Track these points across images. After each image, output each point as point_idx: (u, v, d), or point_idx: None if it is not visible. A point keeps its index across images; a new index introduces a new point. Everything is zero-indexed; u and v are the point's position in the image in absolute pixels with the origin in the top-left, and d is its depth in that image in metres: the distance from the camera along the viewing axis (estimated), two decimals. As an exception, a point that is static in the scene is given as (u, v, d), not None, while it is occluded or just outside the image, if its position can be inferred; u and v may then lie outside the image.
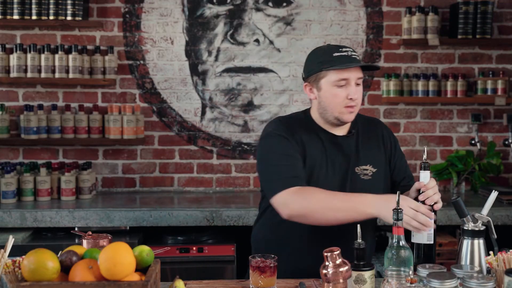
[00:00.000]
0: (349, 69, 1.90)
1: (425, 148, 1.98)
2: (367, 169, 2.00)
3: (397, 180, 2.09)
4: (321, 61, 1.94)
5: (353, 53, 1.93)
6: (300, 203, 1.83)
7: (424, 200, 1.80)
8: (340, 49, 1.92)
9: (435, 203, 1.80)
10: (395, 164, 2.09)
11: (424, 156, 1.92)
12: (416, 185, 1.87)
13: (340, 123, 1.98)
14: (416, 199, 1.82)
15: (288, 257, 1.98)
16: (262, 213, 2.11)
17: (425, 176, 1.86)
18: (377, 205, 1.77)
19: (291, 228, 1.96)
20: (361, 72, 1.94)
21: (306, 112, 2.09)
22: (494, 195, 1.82)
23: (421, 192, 1.83)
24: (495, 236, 1.82)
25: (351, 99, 1.91)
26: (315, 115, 2.05)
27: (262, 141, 2.02)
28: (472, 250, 1.75)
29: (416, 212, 1.73)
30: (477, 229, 1.76)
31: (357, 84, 1.93)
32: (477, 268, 1.63)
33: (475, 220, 1.78)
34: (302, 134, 1.98)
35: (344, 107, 1.93)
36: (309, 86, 2.02)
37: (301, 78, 2.11)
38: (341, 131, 2.03)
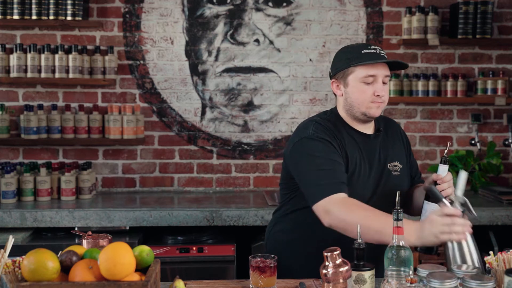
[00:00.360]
0: (377, 66, 1.92)
1: (448, 144, 2.05)
2: (396, 165, 2.04)
3: (413, 176, 2.16)
4: (349, 57, 1.95)
5: (381, 51, 1.95)
6: (344, 215, 1.79)
7: None
8: (369, 47, 1.94)
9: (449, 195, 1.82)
10: (411, 161, 2.16)
11: (446, 151, 1.94)
12: (433, 176, 1.90)
13: (367, 118, 1.98)
14: None
15: (308, 259, 1.93)
16: (289, 213, 2.09)
17: (443, 170, 1.90)
18: (416, 234, 1.70)
19: (320, 231, 1.90)
20: (388, 70, 1.96)
21: (334, 111, 2.08)
22: (463, 174, 1.81)
23: (437, 184, 1.86)
24: (475, 214, 1.82)
25: (378, 95, 1.93)
26: (342, 114, 2.05)
27: (301, 144, 1.97)
28: (461, 247, 1.71)
29: (453, 218, 1.67)
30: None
31: (384, 83, 1.95)
32: (477, 268, 1.63)
33: (451, 203, 1.78)
34: (341, 136, 1.98)
35: (371, 102, 1.94)
36: (337, 82, 2.02)
37: (329, 76, 2.11)
38: (370, 130, 2.05)
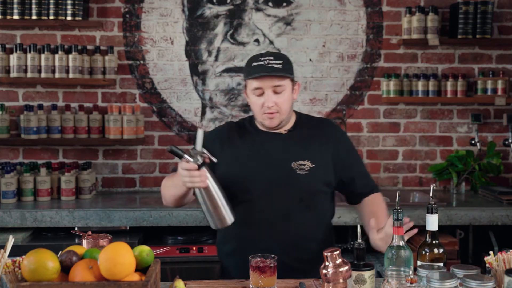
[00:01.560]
0: (262, 79, 1.98)
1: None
2: (304, 164, 2.04)
3: (345, 180, 2.13)
4: (245, 70, 2.06)
5: (272, 62, 1.98)
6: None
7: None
8: (260, 58, 2.00)
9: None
10: (342, 163, 2.11)
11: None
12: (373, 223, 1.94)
13: (267, 128, 2.07)
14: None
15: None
16: None
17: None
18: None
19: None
20: (278, 80, 1.98)
21: (252, 117, 2.18)
22: (200, 131, 1.88)
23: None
24: (215, 160, 1.88)
25: (267, 107, 2.00)
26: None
27: None
28: (207, 190, 1.89)
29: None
30: None
31: (277, 92, 1.99)
32: (477, 268, 1.63)
33: (192, 156, 1.83)
34: (234, 136, 2.08)
35: (263, 114, 2.02)
36: (245, 92, 2.11)
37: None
38: (279, 131, 2.10)
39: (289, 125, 2.11)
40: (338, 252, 1.57)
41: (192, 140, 3.72)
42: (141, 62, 3.70)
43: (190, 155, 1.84)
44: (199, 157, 1.84)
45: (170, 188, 2.02)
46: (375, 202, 2.15)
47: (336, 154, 2.10)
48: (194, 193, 1.94)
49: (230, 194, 1.96)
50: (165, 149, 3.71)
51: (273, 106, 1.99)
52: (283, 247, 1.97)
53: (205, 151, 1.85)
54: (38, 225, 3.08)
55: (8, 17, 3.48)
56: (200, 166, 1.83)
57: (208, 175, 1.85)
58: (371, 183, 2.21)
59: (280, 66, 1.97)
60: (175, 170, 2.17)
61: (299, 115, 2.17)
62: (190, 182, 1.83)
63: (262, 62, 1.97)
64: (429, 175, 3.81)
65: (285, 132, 2.09)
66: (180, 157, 1.84)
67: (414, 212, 3.12)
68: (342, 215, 3.10)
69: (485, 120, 3.81)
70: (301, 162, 2.03)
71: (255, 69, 1.98)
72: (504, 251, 1.63)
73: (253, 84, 1.99)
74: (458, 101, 3.71)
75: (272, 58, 1.98)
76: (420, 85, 3.68)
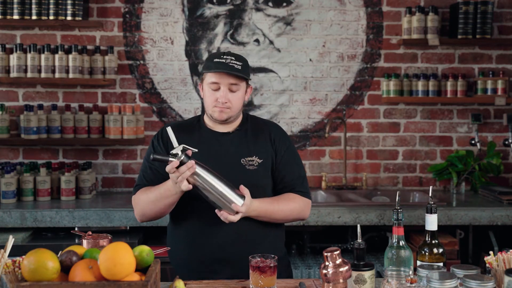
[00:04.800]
0: (220, 75, 2.06)
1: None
2: (252, 160, 2.12)
3: (276, 180, 2.17)
4: (205, 64, 2.13)
5: (233, 62, 2.08)
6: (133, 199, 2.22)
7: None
8: (222, 56, 2.09)
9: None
10: (277, 165, 2.17)
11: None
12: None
13: (215, 120, 2.13)
14: None
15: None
16: None
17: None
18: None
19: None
20: (234, 79, 2.07)
21: (200, 115, 2.25)
22: (169, 129, 1.92)
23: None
24: (196, 150, 1.91)
25: (220, 102, 2.07)
26: (205, 116, 2.21)
27: None
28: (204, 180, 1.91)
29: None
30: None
31: (232, 90, 2.08)
32: (477, 268, 1.63)
33: (175, 155, 1.84)
34: (181, 138, 2.08)
35: (214, 107, 2.10)
36: (201, 85, 2.18)
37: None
38: (228, 129, 2.17)
39: (236, 124, 2.19)
40: (338, 252, 1.57)
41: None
42: (141, 62, 3.70)
43: (173, 155, 1.86)
44: (180, 153, 1.86)
45: (156, 202, 2.05)
46: (289, 196, 2.15)
47: (277, 151, 2.17)
48: (199, 191, 1.93)
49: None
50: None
51: (226, 102, 2.08)
52: (237, 242, 2.04)
53: (184, 145, 1.89)
54: (38, 225, 3.08)
55: (8, 17, 3.48)
56: (182, 162, 1.85)
57: (198, 165, 1.88)
58: (301, 187, 2.18)
59: (239, 67, 2.07)
60: (139, 185, 2.16)
61: (246, 115, 2.25)
62: (181, 177, 1.86)
63: (223, 60, 2.06)
64: (429, 175, 3.81)
65: (232, 131, 2.17)
66: (166, 161, 1.87)
67: (414, 212, 3.12)
68: (342, 215, 3.11)
69: (485, 120, 3.81)
70: (250, 158, 2.12)
71: (216, 64, 2.06)
72: (504, 251, 1.63)
73: (211, 78, 2.07)
74: (458, 101, 3.71)
75: (233, 58, 2.09)
76: (420, 85, 3.68)
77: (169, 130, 1.93)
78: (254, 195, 2.03)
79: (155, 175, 2.11)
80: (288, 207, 2.10)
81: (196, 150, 1.92)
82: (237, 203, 1.91)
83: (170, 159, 1.85)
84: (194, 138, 2.15)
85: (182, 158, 1.85)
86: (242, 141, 2.16)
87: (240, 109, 2.15)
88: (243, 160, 2.11)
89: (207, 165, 1.95)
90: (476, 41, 3.68)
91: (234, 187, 1.94)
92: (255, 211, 2.01)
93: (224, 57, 2.07)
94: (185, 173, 1.86)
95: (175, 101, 3.72)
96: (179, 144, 1.90)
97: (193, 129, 2.19)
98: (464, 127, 3.82)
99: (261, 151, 2.14)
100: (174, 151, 1.86)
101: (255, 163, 2.12)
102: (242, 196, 1.94)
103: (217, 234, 2.04)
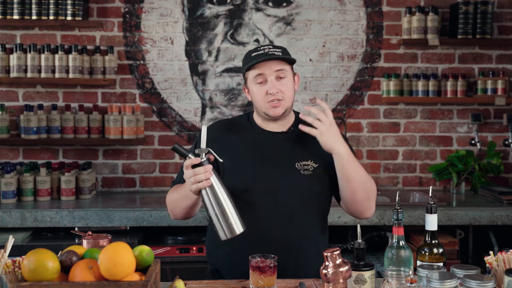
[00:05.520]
0: (263, 65, 1.94)
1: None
2: (308, 165, 1.99)
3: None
4: (244, 63, 2.00)
5: (271, 50, 1.96)
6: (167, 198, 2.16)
7: None
8: (259, 48, 1.98)
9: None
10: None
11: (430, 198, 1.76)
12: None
13: (270, 118, 2.00)
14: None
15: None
16: None
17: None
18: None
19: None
20: (280, 64, 1.96)
21: (250, 113, 2.13)
22: (204, 127, 1.82)
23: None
24: (221, 160, 1.81)
25: (270, 94, 1.94)
26: (255, 115, 2.08)
27: None
28: (212, 190, 1.78)
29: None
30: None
31: (280, 78, 1.96)
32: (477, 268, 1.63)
33: (197, 155, 1.77)
34: (228, 136, 2.02)
35: (267, 103, 1.96)
36: (246, 88, 2.06)
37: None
38: (282, 128, 2.04)
39: (289, 123, 2.06)
40: (338, 252, 1.57)
41: (192, 140, 3.72)
42: (141, 62, 3.70)
43: (194, 154, 1.77)
44: (203, 155, 1.76)
45: (179, 201, 1.96)
46: None
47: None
48: (203, 200, 1.81)
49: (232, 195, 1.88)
50: (165, 149, 3.72)
51: (278, 92, 1.94)
52: (286, 249, 1.93)
53: (210, 150, 1.78)
54: (38, 225, 3.08)
55: (8, 17, 3.48)
56: (203, 163, 1.75)
57: (214, 175, 1.76)
58: None
59: (280, 53, 1.96)
60: (175, 182, 2.09)
61: (297, 114, 2.12)
62: (195, 180, 1.74)
63: (261, 51, 1.95)
64: (429, 175, 3.81)
65: (286, 131, 2.04)
66: (184, 156, 1.78)
67: (414, 212, 3.12)
68: (342, 215, 3.10)
69: (485, 120, 3.81)
70: (305, 162, 1.98)
71: (255, 58, 1.94)
72: (504, 251, 1.63)
73: (255, 72, 1.95)
74: (458, 101, 3.71)
75: (271, 47, 1.98)
76: (420, 85, 3.68)
77: (204, 129, 1.80)
78: (307, 204, 1.95)
79: None
80: (364, 171, 1.94)
81: (221, 160, 1.81)
82: (235, 229, 1.76)
83: (190, 156, 1.77)
84: (244, 137, 2.02)
85: (203, 160, 1.75)
86: (297, 142, 2.01)
87: (293, 100, 2.02)
88: (297, 164, 1.98)
89: (256, 171, 1.88)
90: (476, 41, 3.68)
91: (238, 212, 1.78)
92: (343, 144, 1.85)
93: (261, 48, 1.97)
94: (199, 175, 1.73)
95: (175, 101, 3.72)
96: (207, 147, 1.79)
97: (242, 128, 2.06)
98: (464, 127, 3.82)
99: (317, 155, 1.98)
100: (197, 151, 1.77)
101: (310, 167, 1.98)
102: (243, 227, 1.78)
103: (269, 241, 1.91)
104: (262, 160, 1.97)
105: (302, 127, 1.86)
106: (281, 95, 1.95)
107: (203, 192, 1.78)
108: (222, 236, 1.78)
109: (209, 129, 1.93)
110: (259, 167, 1.97)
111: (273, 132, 2.03)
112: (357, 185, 1.91)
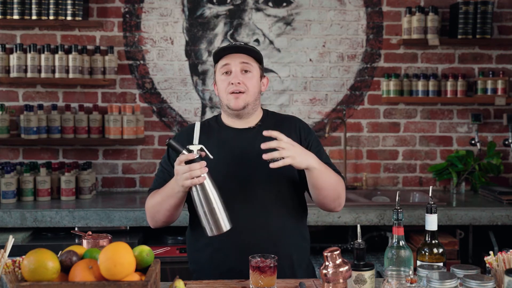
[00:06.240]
0: (230, 56, 1.98)
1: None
2: (277, 157, 1.97)
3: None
4: (214, 55, 2.05)
5: (243, 44, 2.01)
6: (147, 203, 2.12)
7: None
8: (231, 43, 2.05)
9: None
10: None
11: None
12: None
13: (232, 111, 2.02)
14: None
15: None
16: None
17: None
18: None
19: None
20: (245, 57, 1.99)
21: (218, 116, 2.16)
22: (197, 124, 1.85)
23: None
24: (211, 157, 1.81)
25: (233, 84, 1.97)
26: (223, 115, 2.11)
27: None
28: (202, 187, 1.79)
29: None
30: None
31: (245, 71, 1.99)
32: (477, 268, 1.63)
33: (191, 151, 1.77)
34: (201, 138, 2.00)
35: (229, 94, 1.99)
36: (215, 83, 2.09)
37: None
38: (246, 125, 2.07)
39: (256, 119, 2.09)
40: (338, 252, 1.57)
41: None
42: (141, 62, 3.70)
43: (188, 150, 1.78)
44: (195, 151, 1.78)
45: (162, 203, 1.94)
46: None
47: (306, 142, 2.08)
48: (192, 196, 1.82)
49: None
50: (165, 149, 3.72)
51: (240, 84, 1.97)
52: (263, 244, 1.95)
53: (203, 146, 1.80)
54: (38, 225, 3.08)
55: (8, 17, 3.48)
56: (197, 159, 1.76)
57: (206, 173, 1.78)
58: (335, 169, 2.09)
59: (250, 47, 2.00)
60: (152, 189, 2.08)
61: (266, 111, 2.16)
62: (190, 175, 1.74)
63: (232, 44, 2.01)
64: (429, 175, 3.81)
65: (254, 126, 2.07)
66: (179, 152, 1.79)
67: (414, 212, 3.12)
68: (342, 215, 3.10)
69: (485, 120, 3.81)
70: (274, 155, 1.98)
71: (224, 48, 1.99)
72: (504, 251, 1.63)
73: (221, 63, 2.00)
74: (458, 101, 3.71)
75: (243, 43, 2.03)
76: (420, 85, 3.68)
77: (197, 125, 1.83)
78: (281, 195, 1.97)
79: (167, 180, 1.98)
80: (334, 175, 1.97)
81: (212, 157, 1.81)
82: (222, 225, 1.78)
83: (184, 151, 1.78)
84: (213, 138, 2.04)
85: (196, 156, 1.77)
86: (264, 136, 2.00)
87: (257, 97, 2.04)
88: (265, 156, 1.96)
89: (227, 169, 1.89)
90: (476, 41, 3.69)
91: (227, 212, 1.79)
92: (313, 158, 1.86)
93: (235, 42, 2.02)
94: (195, 171, 1.74)
95: (175, 101, 3.72)
96: (200, 144, 1.81)
97: (211, 129, 2.08)
98: (464, 127, 3.82)
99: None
100: (191, 147, 1.78)
101: (279, 159, 1.97)
102: (230, 224, 1.80)
103: (245, 236, 1.94)
104: (232, 157, 2.00)
105: (272, 165, 1.83)
106: (243, 87, 1.99)
107: (193, 188, 1.78)
108: (208, 232, 1.80)
109: (183, 130, 2.02)
110: (230, 164, 2.00)
111: (240, 129, 2.07)
112: (328, 191, 1.96)
